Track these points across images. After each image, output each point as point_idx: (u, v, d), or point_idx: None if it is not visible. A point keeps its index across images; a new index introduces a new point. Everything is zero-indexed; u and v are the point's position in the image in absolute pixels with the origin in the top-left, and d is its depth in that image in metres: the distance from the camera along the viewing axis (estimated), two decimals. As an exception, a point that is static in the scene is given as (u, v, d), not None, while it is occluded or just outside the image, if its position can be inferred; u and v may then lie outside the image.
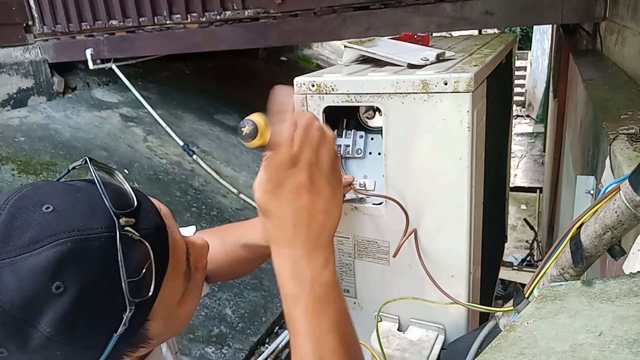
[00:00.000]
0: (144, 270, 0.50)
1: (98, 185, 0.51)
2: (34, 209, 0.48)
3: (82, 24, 3.74)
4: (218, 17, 3.21)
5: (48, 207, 0.48)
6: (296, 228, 0.58)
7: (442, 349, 0.83)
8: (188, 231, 0.94)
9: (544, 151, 6.26)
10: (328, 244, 0.59)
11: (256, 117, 0.55)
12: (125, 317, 0.49)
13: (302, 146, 0.57)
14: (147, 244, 0.51)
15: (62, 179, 0.57)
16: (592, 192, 0.99)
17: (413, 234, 0.82)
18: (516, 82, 9.87)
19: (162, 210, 0.58)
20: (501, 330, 0.68)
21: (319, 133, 0.58)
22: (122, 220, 0.50)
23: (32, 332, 0.46)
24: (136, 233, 0.50)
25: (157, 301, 0.53)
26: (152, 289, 0.51)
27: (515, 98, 5.46)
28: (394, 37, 1.04)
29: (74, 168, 0.58)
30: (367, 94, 0.80)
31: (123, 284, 0.48)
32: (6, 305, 0.45)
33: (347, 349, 0.57)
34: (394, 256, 0.84)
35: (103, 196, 0.50)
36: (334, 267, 0.60)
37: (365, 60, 0.96)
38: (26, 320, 0.45)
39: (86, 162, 0.55)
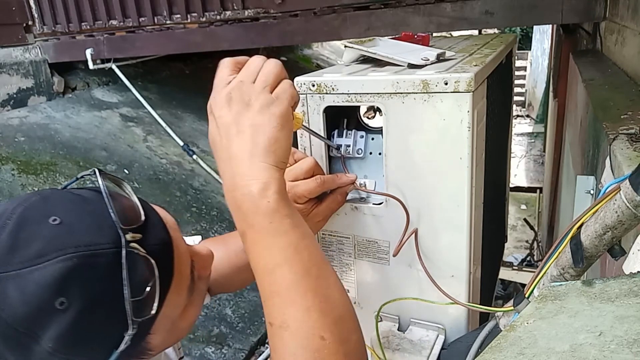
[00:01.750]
0: (147, 289, 0.49)
1: (106, 199, 0.51)
2: (41, 221, 0.47)
3: (82, 24, 3.74)
4: (218, 17, 3.21)
5: (55, 220, 0.48)
6: (226, 153, 0.55)
7: (442, 349, 0.83)
8: (193, 240, 0.94)
9: (544, 151, 6.26)
10: (265, 168, 0.53)
11: None
12: (127, 337, 0.49)
13: (235, 64, 0.57)
14: (152, 260, 0.50)
15: (70, 187, 0.57)
16: (592, 192, 0.99)
17: (414, 234, 0.82)
18: (516, 82, 9.87)
19: (168, 222, 0.57)
20: (501, 330, 0.68)
21: (260, 60, 0.57)
22: (129, 236, 0.49)
23: (34, 346, 0.46)
24: (142, 250, 0.50)
25: (159, 316, 0.53)
26: (155, 307, 0.50)
27: (515, 98, 5.46)
28: (394, 37, 1.05)
29: (82, 177, 0.57)
30: (368, 93, 0.80)
31: (126, 304, 0.48)
32: (9, 318, 0.44)
33: (308, 283, 0.52)
34: (394, 255, 0.84)
35: (111, 211, 0.50)
36: (280, 193, 0.53)
37: (365, 60, 0.96)
38: (28, 334, 0.45)
39: (94, 173, 0.54)
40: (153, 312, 0.50)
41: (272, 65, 0.57)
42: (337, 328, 0.52)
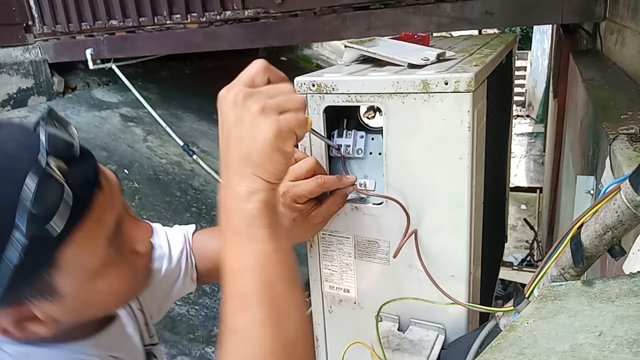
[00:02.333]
0: (53, 207, 0.49)
1: (41, 127, 0.52)
2: None
3: (82, 24, 3.74)
4: (218, 17, 3.21)
5: None
6: (226, 151, 0.56)
7: (442, 349, 0.83)
8: (187, 230, 0.94)
9: (544, 151, 6.26)
10: (255, 179, 0.54)
11: None
12: (14, 238, 0.48)
13: (266, 70, 0.57)
14: (68, 188, 0.50)
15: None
16: (592, 192, 0.99)
17: (413, 234, 0.82)
18: (516, 82, 9.87)
19: (108, 176, 0.59)
20: (501, 330, 0.68)
21: (290, 88, 0.59)
22: (52, 160, 0.50)
23: None
24: (61, 176, 0.50)
25: (66, 252, 0.52)
26: (57, 229, 0.50)
27: (515, 98, 5.46)
28: (394, 37, 1.05)
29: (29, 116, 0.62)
30: (368, 93, 0.80)
31: (27, 204, 0.47)
32: None
33: (269, 297, 0.53)
34: (394, 257, 0.84)
35: (43, 134, 0.51)
36: (265, 203, 0.54)
37: (365, 60, 0.96)
38: None
39: (48, 114, 0.56)
40: (55, 234, 0.50)
41: (297, 99, 0.58)
42: (286, 352, 0.53)
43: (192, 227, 0.96)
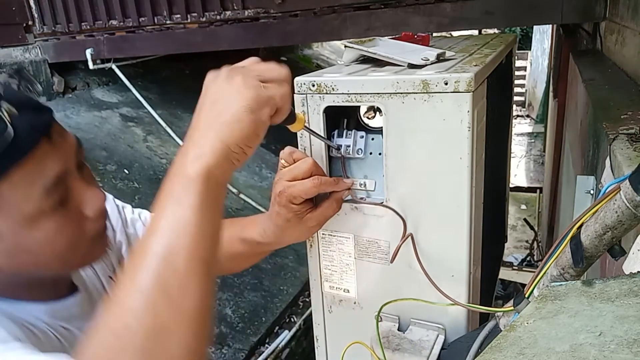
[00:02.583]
0: None
1: (5, 79, 0.59)
2: None
3: (82, 24, 3.74)
4: (218, 17, 3.21)
5: None
6: (197, 115, 0.55)
7: (442, 349, 0.83)
8: (147, 215, 0.94)
9: (544, 151, 6.26)
10: (213, 142, 0.53)
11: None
12: None
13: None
14: (10, 128, 0.52)
15: None
16: (592, 192, 0.99)
17: (410, 238, 0.82)
18: (516, 82, 9.87)
19: (65, 136, 0.61)
20: (501, 330, 0.68)
21: (277, 67, 0.59)
22: (5, 105, 0.53)
23: None
24: (8, 117, 0.53)
25: (2, 188, 0.54)
26: None
27: (515, 98, 5.45)
28: (394, 37, 1.05)
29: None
30: (368, 93, 0.80)
31: None
32: None
33: (163, 267, 0.48)
34: (391, 262, 0.84)
35: (1, 85, 0.55)
36: (208, 169, 0.52)
37: (365, 60, 0.96)
38: None
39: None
40: None
41: (281, 71, 0.58)
42: (156, 335, 0.47)
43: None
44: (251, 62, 0.60)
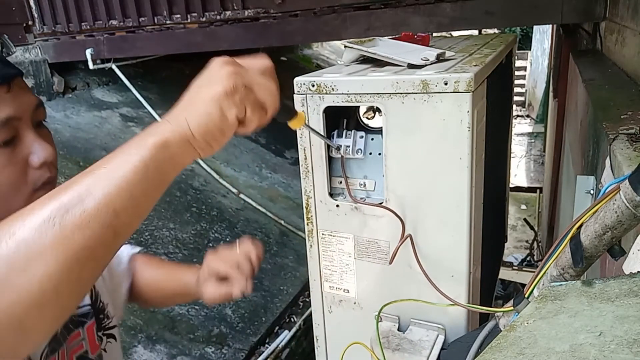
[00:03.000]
0: None
1: None
2: None
3: (82, 24, 3.74)
4: (218, 17, 3.21)
5: None
6: (180, 99, 0.57)
7: (442, 349, 0.83)
8: (130, 250, 1.03)
9: (544, 151, 6.26)
10: (179, 118, 0.55)
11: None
12: None
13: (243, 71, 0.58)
14: None
15: None
16: (592, 192, 0.99)
17: (409, 239, 0.82)
18: (516, 82, 9.87)
19: (25, 91, 0.68)
20: (501, 330, 0.68)
21: (266, 78, 0.59)
22: None
23: None
24: None
25: None
26: None
27: (515, 98, 5.46)
28: (394, 37, 1.05)
29: None
30: (367, 94, 0.80)
31: None
32: None
33: (79, 208, 0.48)
34: (390, 263, 0.84)
35: None
36: (167, 146, 0.53)
37: (365, 60, 0.96)
38: None
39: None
40: None
41: (268, 84, 0.59)
42: (25, 252, 0.45)
43: (138, 248, 1.04)
44: (252, 62, 0.60)
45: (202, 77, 0.58)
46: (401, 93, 0.77)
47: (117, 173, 0.51)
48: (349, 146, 0.87)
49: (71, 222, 0.47)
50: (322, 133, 0.85)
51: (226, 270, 0.88)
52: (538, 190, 5.64)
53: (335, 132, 0.88)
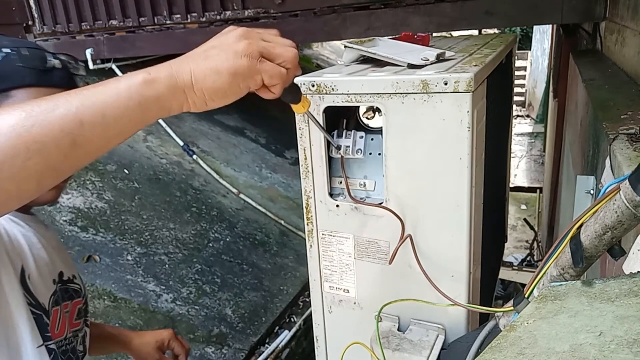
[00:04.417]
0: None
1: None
2: None
3: (82, 24, 3.75)
4: (218, 17, 3.21)
5: None
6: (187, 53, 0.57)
7: (442, 349, 0.83)
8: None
9: (544, 151, 6.26)
10: (177, 67, 0.55)
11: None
12: None
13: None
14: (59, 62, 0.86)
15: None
16: (592, 192, 0.99)
17: (408, 239, 0.82)
18: (516, 82, 9.87)
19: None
20: (501, 330, 0.68)
21: (291, 48, 0.59)
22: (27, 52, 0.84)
23: None
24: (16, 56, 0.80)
25: None
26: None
27: (515, 98, 5.46)
28: (394, 37, 1.05)
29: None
30: (367, 94, 0.80)
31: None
32: None
33: (69, 116, 0.50)
34: (390, 263, 0.84)
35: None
36: (160, 87, 0.54)
37: (365, 60, 0.96)
38: None
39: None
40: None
41: (290, 50, 0.58)
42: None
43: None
44: (270, 32, 0.60)
45: (220, 37, 0.56)
46: (401, 93, 0.77)
47: (99, 91, 0.53)
48: (348, 146, 0.87)
49: (36, 114, 0.50)
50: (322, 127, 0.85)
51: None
52: (538, 190, 5.64)
53: (335, 132, 0.88)
